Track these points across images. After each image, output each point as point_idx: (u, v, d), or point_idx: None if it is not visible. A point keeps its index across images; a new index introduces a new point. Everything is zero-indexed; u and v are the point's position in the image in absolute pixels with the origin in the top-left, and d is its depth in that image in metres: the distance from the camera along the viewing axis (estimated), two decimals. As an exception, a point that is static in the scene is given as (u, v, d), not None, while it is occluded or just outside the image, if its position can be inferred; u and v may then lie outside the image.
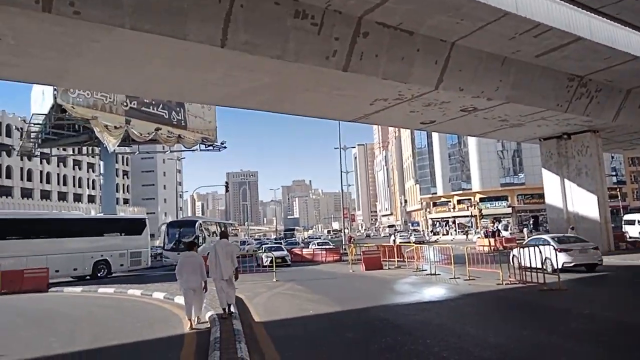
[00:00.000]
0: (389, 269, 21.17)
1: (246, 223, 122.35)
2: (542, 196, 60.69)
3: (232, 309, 9.34)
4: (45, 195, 73.68)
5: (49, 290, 18.07)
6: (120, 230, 25.97)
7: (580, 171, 24.47)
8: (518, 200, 62.38)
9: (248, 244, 45.73)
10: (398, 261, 22.78)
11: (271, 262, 23.19)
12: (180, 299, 12.09)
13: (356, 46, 13.80)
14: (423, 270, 19.11)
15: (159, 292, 13.91)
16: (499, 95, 18.11)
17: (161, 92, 17.64)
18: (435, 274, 17.17)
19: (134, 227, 26.57)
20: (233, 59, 12.92)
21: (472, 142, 64.28)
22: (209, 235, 31.21)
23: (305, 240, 59.20)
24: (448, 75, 16.19)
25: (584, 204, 24.25)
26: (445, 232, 66.99)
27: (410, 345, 6.53)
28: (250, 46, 12.26)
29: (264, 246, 29.76)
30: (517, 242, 35.26)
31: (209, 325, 8.68)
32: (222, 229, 31.81)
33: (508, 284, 13.27)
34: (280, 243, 43.57)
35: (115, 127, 30.84)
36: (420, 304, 10.52)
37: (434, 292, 12.71)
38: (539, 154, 59.57)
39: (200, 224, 31.11)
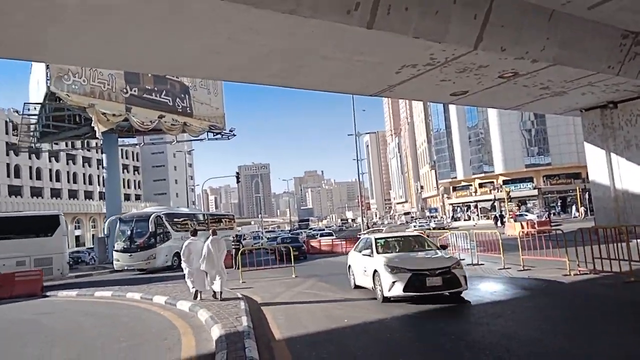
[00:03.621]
0: (419, 259, 18.91)
1: (260, 215, 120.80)
2: (569, 176, 58.55)
3: (222, 294, 10.92)
4: (56, 193, 72.56)
5: (44, 294, 16.14)
6: (19, 232, 20.15)
7: (629, 143, 21.88)
8: (544, 182, 59.39)
9: (245, 239, 37.98)
10: (429, 250, 20.48)
11: None
12: (181, 305, 10.29)
13: (383, -4, 11.50)
14: (461, 259, 16.79)
15: (160, 296, 11.87)
16: (545, 56, 15.68)
17: (156, 66, 15.44)
18: (478, 264, 14.92)
19: (41, 226, 20.88)
20: (237, 17, 10.70)
21: (493, 122, 61.40)
22: (177, 230, 25.16)
23: (311, 233, 49.01)
24: (489, 32, 13.81)
25: (635, 179, 21.71)
26: (467, 218, 64.28)
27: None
28: (256, -3, 10.03)
29: None
30: (552, 225, 32.88)
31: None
32: (213, 226, 27.27)
33: (577, 274, 10.97)
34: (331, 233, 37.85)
35: (114, 115, 28.77)
36: (485, 306, 8.30)
37: (491, 288, 10.49)
38: (565, 133, 57.45)
39: (160, 217, 24.50)
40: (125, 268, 23.85)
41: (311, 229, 68.90)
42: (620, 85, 19.71)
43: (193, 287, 11.03)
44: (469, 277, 12.67)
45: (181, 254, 11.30)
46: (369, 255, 10.49)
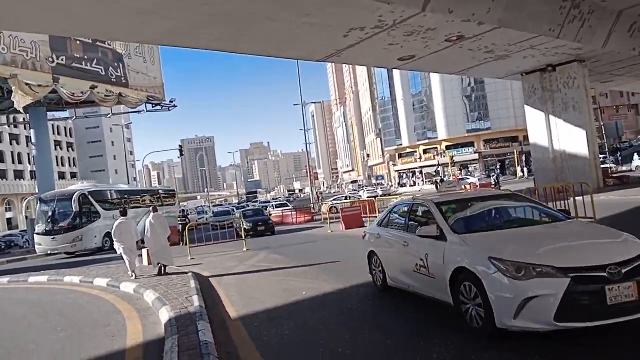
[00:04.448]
0: (371, 226, 18.98)
1: (206, 190, 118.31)
2: (507, 140, 61.04)
3: (166, 269, 10.99)
4: (-19, 174, 67.34)
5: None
6: None
7: (567, 105, 22.73)
8: (484, 146, 61.60)
9: (189, 214, 34.08)
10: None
11: None
12: (125, 287, 9.64)
13: (330, -48, 10.88)
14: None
15: (102, 279, 11.07)
16: (490, 19, 15.71)
17: (86, 29, 14.07)
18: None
19: None
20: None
21: (436, 89, 62.53)
22: (107, 209, 23.23)
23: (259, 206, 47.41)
24: (437, -8, 13.55)
25: (572, 140, 22.67)
26: (412, 184, 65.80)
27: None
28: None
29: None
30: (492, 187, 34.13)
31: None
32: (152, 203, 25.97)
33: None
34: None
35: (40, 86, 26.37)
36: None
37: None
38: (504, 98, 59.54)
39: (85, 195, 22.43)
40: (49, 253, 22.02)
41: (256, 201, 67.81)
42: (559, 49, 20.24)
43: (130, 266, 10.92)
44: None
45: (112, 235, 11.33)
46: (434, 237, 5.34)
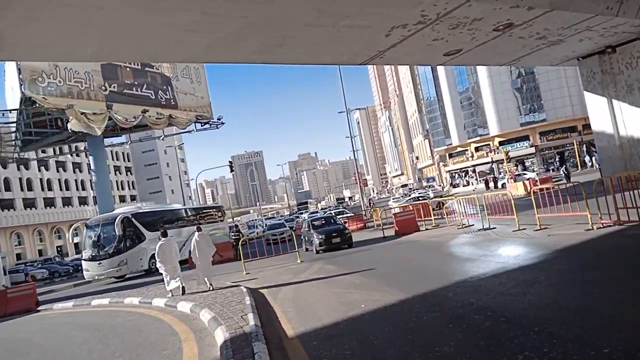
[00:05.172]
0: (426, 229, 18.28)
1: (257, 203, 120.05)
2: (565, 130, 57.92)
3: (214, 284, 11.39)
4: (49, 202, 71.43)
5: (38, 308, 15.32)
6: None
7: (631, 88, 21.07)
8: (540, 139, 58.55)
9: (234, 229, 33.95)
10: (435, 219, 19.82)
11: None
12: (182, 306, 9.54)
13: (365, -52, 10.51)
14: (470, 225, 16.16)
15: (160, 299, 11.11)
16: (541, 2, 14.75)
17: (127, 53, 14.36)
18: (490, 228, 14.18)
19: None
20: (207, -15, 9.72)
21: (484, 83, 60.29)
22: (151, 230, 22.21)
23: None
24: (481, -21, 12.87)
25: (640, 125, 20.94)
26: (465, 183, 63.63)
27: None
28: (225, -41, 9.06)
29: None
30: (554, 181, 32.25)
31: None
32: (196, 223, 24.87)
33: (600, 227, 10.24)
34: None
35: (95, 114, 27.51)
36: (513, 273, 7.50)
37: (512, 252, 9.69)
38: (558, 87, 56.56)
39: (128, 218, 21.86)
40: (96, 278, 21.88)
41: (305, 212, 67.67)
42: (619, 27, 18.79)
43: (177, 284, 11.33)
44: (483, 242, 11.94)
45: (156, 256, 11.63)
46: None
